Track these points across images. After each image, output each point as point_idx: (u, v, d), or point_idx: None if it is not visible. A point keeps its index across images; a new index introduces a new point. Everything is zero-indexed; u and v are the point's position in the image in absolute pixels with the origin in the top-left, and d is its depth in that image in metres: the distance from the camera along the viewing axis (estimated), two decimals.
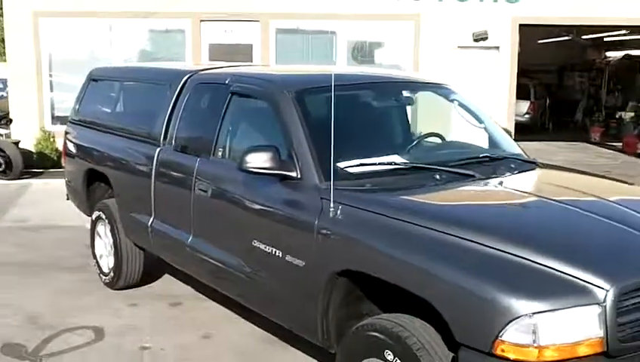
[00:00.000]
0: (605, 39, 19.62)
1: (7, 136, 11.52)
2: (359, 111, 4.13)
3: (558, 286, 2.57)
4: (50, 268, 6.15)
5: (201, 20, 12.11)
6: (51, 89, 12.32)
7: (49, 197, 9.14)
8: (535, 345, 2.48)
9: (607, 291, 2.55)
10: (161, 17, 12.06)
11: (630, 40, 18.10)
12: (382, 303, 3.22)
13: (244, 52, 12.19)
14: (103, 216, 5.53)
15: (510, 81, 12.95)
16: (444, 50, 12.59)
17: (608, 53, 22.79)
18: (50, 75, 12.32)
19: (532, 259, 2.65)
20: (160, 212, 4.72)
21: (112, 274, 5.50)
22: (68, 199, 6.51)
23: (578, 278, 2.58)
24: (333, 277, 3.23)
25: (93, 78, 6.22)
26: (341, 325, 3.31)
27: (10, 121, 11.47)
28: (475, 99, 11.77)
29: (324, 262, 3.25)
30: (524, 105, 19.89)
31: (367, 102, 4.22)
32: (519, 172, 3.82)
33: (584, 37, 19.22)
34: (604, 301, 2.54)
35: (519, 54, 18.55)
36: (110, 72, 6.59)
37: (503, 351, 2.52)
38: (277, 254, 3.54)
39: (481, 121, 4.46)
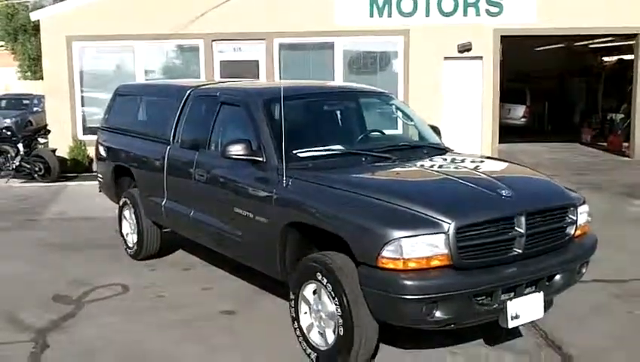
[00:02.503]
0: (602, 45, 20.70)
1: (46, 145, 13.16)
2: (311, 114, 5.58)
3: (417, 221, 3.94)
4: (86, 246, 7.66)
5: (213, 40, 13.67)
6: (82, 103, 13.96)
7: (82, 196, 10.74)
8: (401, 258, 3.86)
9: (450, 224, 3.91)
10: (178, 38, 13.66)
11: (624, 45, 19.15)
12: (319, 245, 4.59)
13: (251, 67, 13.70)
14: (128, 202, 7.00)
15: (493, 87, 14.22)
16: (432, 61, 13.94)
17: (605, 58, 23.85)
18: (82, 91, 13.96)
19: (403, 205, 4.04)
20: (170, 194, 6.18)
21: (135, 247, 6.97)
22: (100, 191, 8.01)
23: (431, 216, 3.95)
24: (285, 228, 4.64)
25: (119, 93, 7.72)
26: (293, 263, 4.70)
27: (49, 131, 13.10)
28: (461, 103, 13.23)
29: (279, 217, 4.67)
30: (521, 110, 21.13)
31: (318, 107, 5.65)
32: (429, 156, 5.22)
33: (577, 44, 20.33)
34: (448, 231, 3.91)
35: (517, 61, 19.83)
36: (133, 88, 8.11)
37: (382, 263, 3.90)
38: (249, 216, 4.96)
39: (411, 120, 5.86)
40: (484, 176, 4.58)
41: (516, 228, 4.16)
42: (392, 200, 4.11)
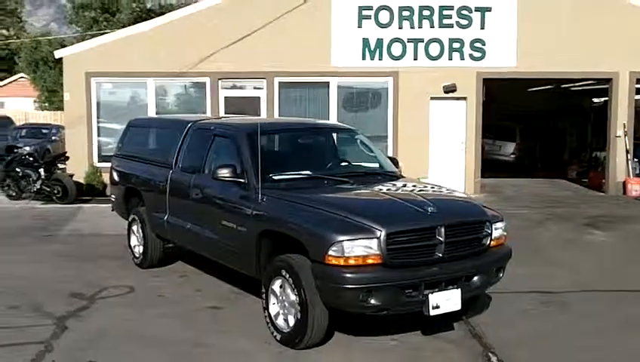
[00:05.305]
0: (585, 88, 21.91)
1: (64, 170, 14.46)
2: (286, 145, 6.82)
3: (356, 228, 5.10)
4: (99, 257, 8.83)
5: (219, 78, 15.03)
6: (99, 133, 15.30)
7: (96, 217, 11.97)
8: (343, 256, 5.01)
9: (381, 231, 5.07)
10: (187, 76, 15.03)
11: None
12: (285, 249, 5.69)
13: (253, 103, 15.02)
14: (136, 218, 8.20)
15: (476, 125, 15.40)
16: (419, 101, 15.17)
17: (594, 99, 25.05)
18: (98, 122, 15.30)
19: (347, 216, 5.21)
20: (172, 211, 7.37)
21: (141, 257, 8.14)
22: (112, 210, 9.22)
23: (367, 225, 5.11)
24: (260, 236, 5.80)
25: (131, 125, 8.99)
26: (265, 264, 5.84)
27: (67, 158, 14.41)
28: (447, 140, 14.43)
29: (255, 227, 5.84)
30: (511, 147, 22.28)
31: (293, 139, 6.90)
32: (382, 181, 6.40)
33: (563, 86, 21.56)
34: (380, 236, 5.06)
35: (510, 101, 21.05)
36: (143, 121, 9.42)
37: (329, 260, 5.04)
38: (233, 227, 6.13)
39: (372, 152, 7.06)
40: (418, 197, 5.75)
41: (437, 236, 5.30)
42: (339, 212, 5.29)
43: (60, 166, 14.39)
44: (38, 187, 13.67)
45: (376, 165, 7.01)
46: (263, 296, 5.72)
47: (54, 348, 5.52)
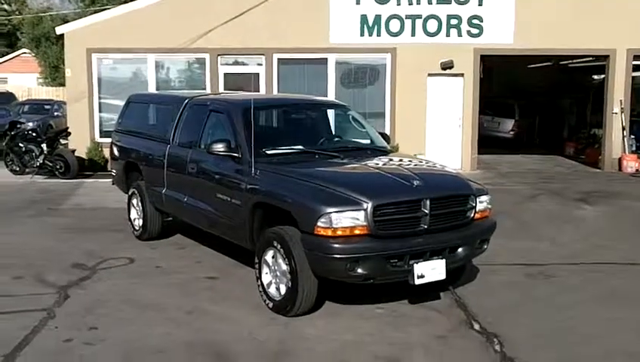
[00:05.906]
0: (585, 64, 21.95)
1: (66, 145, 14.67)
2: (279, 120, 7.01)
3: (344, 201, 5.32)
4: (100, 229, 9.09)
5: (218, 54, 15.15)
6: (100, 109, 15.47)
7: (97, 191, 12.22)
8: (331, 227, 5.23)
9: (368, 204, 5.28)
10: (187, 52, 15.15)
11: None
12: (277, 221, 5.92)
13: (252, 80, 15.16)
14: (136, 192, 8.42)
15: (473, 102, 15.54)
16: (417, 77, 15.30)
17: (594, 76, 25.06)
18: (99, 98, 15.46)
19: (336, 189, 5.43)
20: (169, 184, 7.59)
21: (140, 229, 8.39)
22: (113, 184, 9.46)
23: (355, 197, 5.33)
24: (253, 208, 6.02)
25: (131, 101, 9.18)
26: (258, 235, 6.07)
27: (69, 133, 14.62)
28: (444, 116, 14.60)
29: (249, 200, 6.06)
30: (509, 123, 22.37)
31: (286, 115, 7.09)
32: (372, 156, 6.60)
33: (562, 62, 21.61)
34: (367, 208, 5.27)
35: (510, 77, 21.06)
36: (142, 97, 9.59)
37: (318, 231, 5.26)
38: (228, 199, 6.35)
39: (363, 128, 7.25)
40: (405, 171, 5.96)
41: (422, 209, 5.51)
42: (328, 185, 5.51)
43: (63, 141, 14.60)
44: (41, 162, 13.91)
45: (367, 140, 7.21)
46: (256, 266, 5.96)
47: (57, 315, 5.78)
